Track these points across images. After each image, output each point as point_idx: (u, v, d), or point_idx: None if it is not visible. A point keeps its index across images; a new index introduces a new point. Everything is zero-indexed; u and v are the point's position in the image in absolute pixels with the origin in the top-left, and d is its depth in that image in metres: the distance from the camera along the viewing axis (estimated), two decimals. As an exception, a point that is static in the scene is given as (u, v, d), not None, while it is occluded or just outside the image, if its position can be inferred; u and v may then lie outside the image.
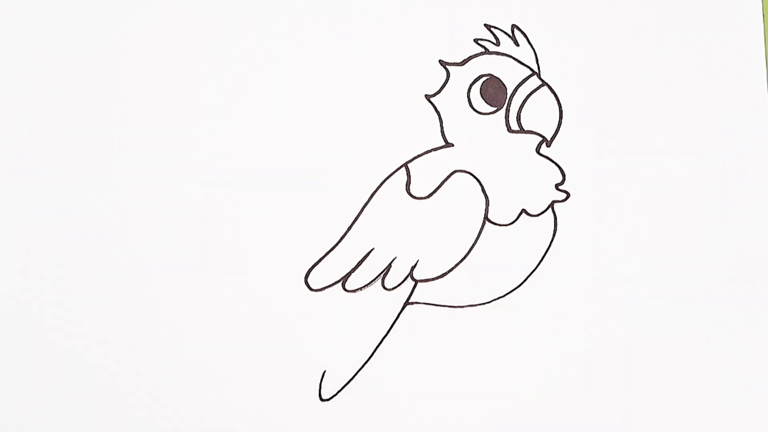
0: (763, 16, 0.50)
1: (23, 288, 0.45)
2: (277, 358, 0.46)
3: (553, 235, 0.48)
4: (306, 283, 0.46)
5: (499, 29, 0.48)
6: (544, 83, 0.48)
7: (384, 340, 0.47)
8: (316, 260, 0.46)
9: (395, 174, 0.47)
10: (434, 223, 0.47)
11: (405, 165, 0.47)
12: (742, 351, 0.49)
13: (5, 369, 0.45)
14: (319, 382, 0.46)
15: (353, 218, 0.47)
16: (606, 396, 0.48)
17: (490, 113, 0.48)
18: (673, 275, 0.48)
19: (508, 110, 0.48)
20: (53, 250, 0.45)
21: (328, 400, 0.46)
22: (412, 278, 0.47)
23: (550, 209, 0.48)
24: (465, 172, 0.47)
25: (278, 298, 0.46)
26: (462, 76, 0.48)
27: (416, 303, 0.47)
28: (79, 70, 0.46)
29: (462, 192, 0.47)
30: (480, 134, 0.48)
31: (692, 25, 0.50)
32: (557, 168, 0.48)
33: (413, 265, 0.47)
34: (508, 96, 0.48)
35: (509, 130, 0.48)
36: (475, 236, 0.47)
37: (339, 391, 0.46)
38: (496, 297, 0.47)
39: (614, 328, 0.48)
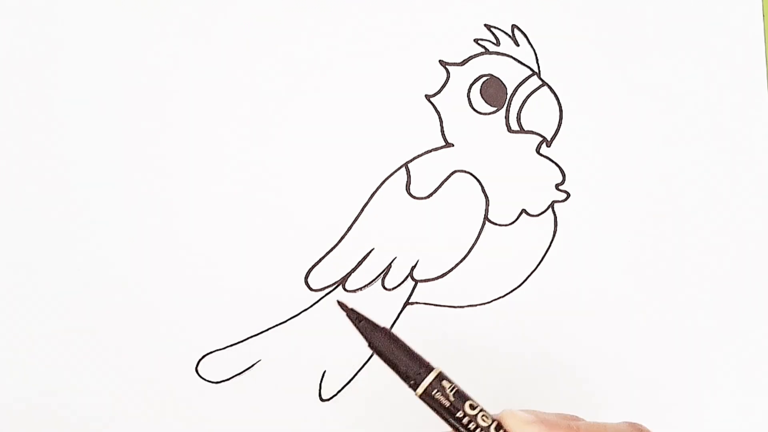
0: (763, 16, 0.50)
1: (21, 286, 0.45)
2: (277, 358, 0.46)
3: (553, 235, 0.48)
4: (306, 283, 0.46)
5: (499, 29, 0.48)
6: (544, 83, 0.48)
7: (384, 340, 0.46)
8: (316, 260, 0.46)
9: (395, 174, 0.47)
10: (434, 223, 0.47)
11: (405, 165, 0.47)
12: (743, 351, 0.49)
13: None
14: (319, 382, 0.46)
15: (353, 218, 0.47)
16: (606, 396, 0.48)
17: (490, 113, 0.48)
18: (673, 275, 0.48)
19: (508, 110, 0.48)
20: (52, 249, 0.45)
21: (328, 400, 0.46)
22: (412, 278, 0.47)
23: (550, 209, 0.48)
24: (465, 172, 0.47)
25: (278, 298, 0.46)
26: (462, 76, 0.48)
27: (416, 303, 0.47)
28: (77, 69, 0.46)
29: (462, 192, 0.47)
30: (480, 134, 0.48)
31: (692, 24, 0.50)
32: (557, 168, 0.48)
33: (413, 265, 0.47)
34: (508, 96, 0.48)
35: (509, 130, 0.48)
36: (475, 236, 0.47)
37: (339, 391, 0.46)
38: (496, 297, 0.47)
39: (614, 328, 0.48)
